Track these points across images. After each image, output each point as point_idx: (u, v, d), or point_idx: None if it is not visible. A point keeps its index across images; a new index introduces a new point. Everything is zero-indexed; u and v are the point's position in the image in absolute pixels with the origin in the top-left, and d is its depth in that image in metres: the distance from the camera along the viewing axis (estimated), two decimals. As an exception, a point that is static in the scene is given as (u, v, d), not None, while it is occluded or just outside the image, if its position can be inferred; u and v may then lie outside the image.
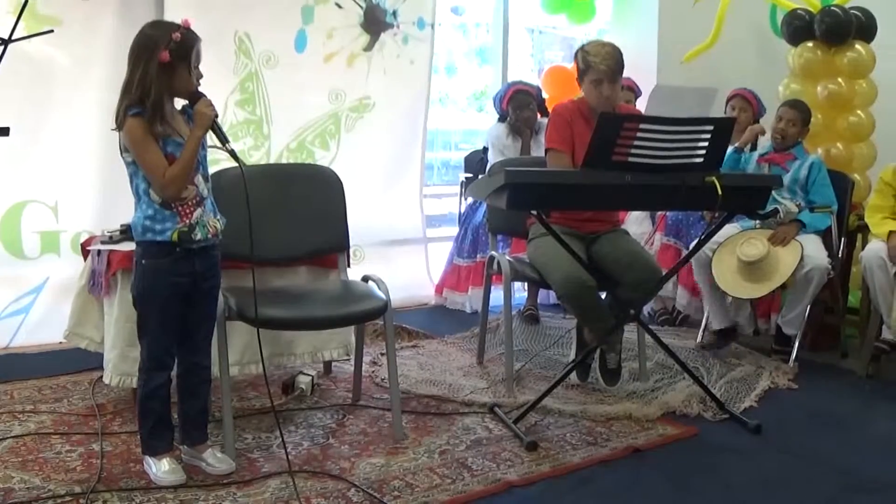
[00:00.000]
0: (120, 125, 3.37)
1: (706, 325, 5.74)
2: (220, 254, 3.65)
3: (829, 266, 5.30)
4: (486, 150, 6.98)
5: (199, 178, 3.49)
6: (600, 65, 4.63)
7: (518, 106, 6.63)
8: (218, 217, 3.58)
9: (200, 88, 3.47)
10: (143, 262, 3.50)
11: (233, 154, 3.45)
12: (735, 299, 5.67)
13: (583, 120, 4.77)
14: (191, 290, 3.54)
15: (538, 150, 6.32)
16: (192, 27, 3.43)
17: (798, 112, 5.70)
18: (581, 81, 4.77)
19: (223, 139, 3.45)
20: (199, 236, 3.47)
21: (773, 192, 5.27)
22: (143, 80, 3.32)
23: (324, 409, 4.47)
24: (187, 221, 3.45)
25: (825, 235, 5.57)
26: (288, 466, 3.61)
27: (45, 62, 5.30)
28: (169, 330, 3.54)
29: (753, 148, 5.89)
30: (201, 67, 3.48)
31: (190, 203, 3.46)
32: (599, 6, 8.01)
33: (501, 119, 6.80)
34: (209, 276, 3.59)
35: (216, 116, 3.43)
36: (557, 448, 4.03)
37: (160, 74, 3.33)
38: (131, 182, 3.47)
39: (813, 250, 5.31)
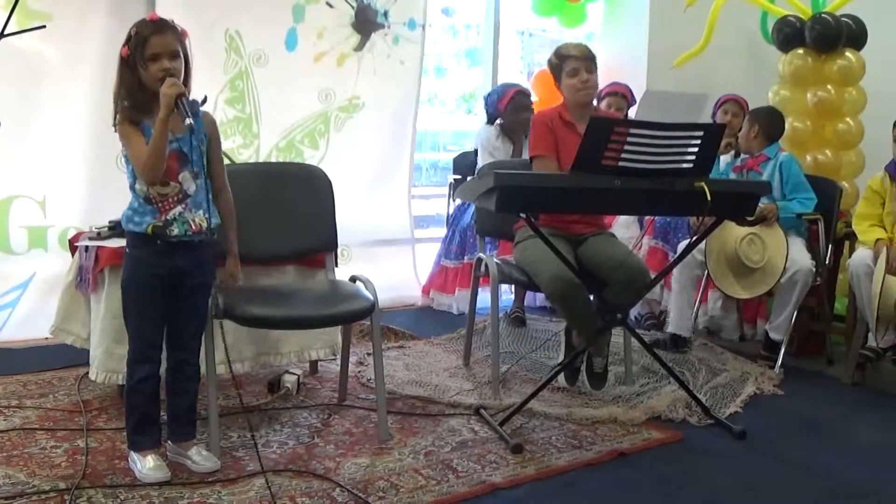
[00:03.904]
0: (115, 122, 3.43)
1: (665, 323, 5.83)
2: (212, 252, 3.64)
3: (814, 269, 5.33)
4: (476, 151, 6.96)
5: (184, 175, 3.48)
6: (573, 51, 4.81)
7: (517, 107, 6.60)
8: (207, 215, 3.56)
9: (192, 85, 3.47)
10: (128, 251, 3.55)
11: (191, 128, 3.38)
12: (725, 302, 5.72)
13: (564, 125, 4.81)
14: (175, 284, 3.53)
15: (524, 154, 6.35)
16: (184, 24, 3.45)
17: (755, 118, 5.76)
18: (559, 80, 4.89)
19: (184, 114, 3.33)
20: (175, 232, 3.46)
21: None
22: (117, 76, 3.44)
23: (309, 408, 4.47)
24: (163, 217, 3.45)
25: (811, 241, 5.60)
26: (260, 467, 3.58)
27: (35, 58, 5.28)
28: (150, 322, 3.54)
29: (737, 155, 5.90)
30: (195, 64, 3.48)
31: (171, 199, 3.46)
32: (590, 10, 8.01)
33: (491, 121, 6.78)
34: (196, 273, 3.57)
35: (181, 94, 3.34)
36: (542, 451, 4.03)
37: (123, 69, 3.41)
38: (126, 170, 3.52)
39: (797, 254, 5.34)
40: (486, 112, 6.86)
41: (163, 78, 3.34)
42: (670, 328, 5.71)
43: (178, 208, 3.48)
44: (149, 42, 3.36)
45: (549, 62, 4.92)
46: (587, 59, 4.79)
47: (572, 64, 4.77)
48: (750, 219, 4.43)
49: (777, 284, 5.28)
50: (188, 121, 3.32)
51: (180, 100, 3.32)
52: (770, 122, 5.75)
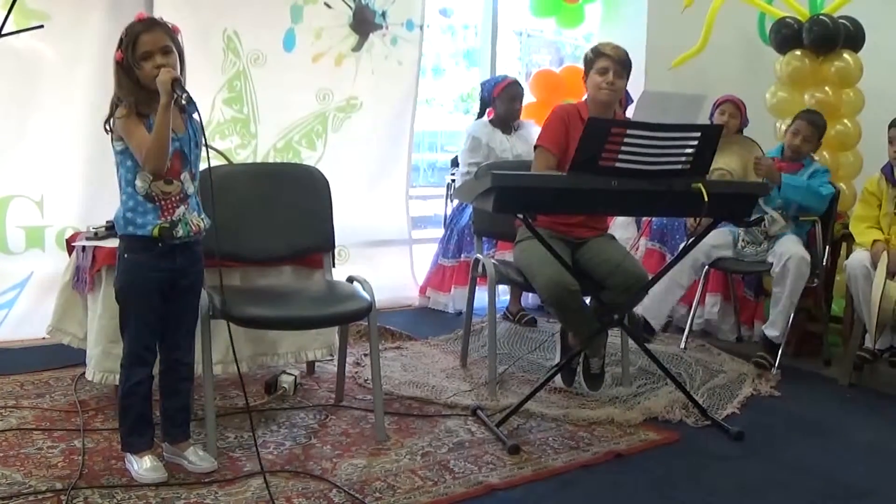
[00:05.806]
0: (111, 118, 3.40)
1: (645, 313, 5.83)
2: (202, 250, 3.62)
3: (808, 258, 5.34)
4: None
5: (185, 175, 3.47)
6: (609, 51, 4.74)
7: (511, 97, 6.55)
8: (202, 216, 3.56)
9: (189, 86, 3.47)
10: (125, 256, 3.50)
11: (186, 105, 3.37)
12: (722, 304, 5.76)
13: (581, 123, 4.77)
14: (171, 285, 3.53)
15: (515, 145, 6.39)
16: (180, 25, 3.46)
17: (816, 129, 5.74)
18: (587, 75, 4.82)
19: (179, 94, 3.32)
20: (180, 233, 3.45)
21: (762, 204, 5.32)
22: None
23: (306, 409, 4.46)
24: (168, 217, 3.43)
25: (809, 244, 5.60)
26: (260, 467, 3.55)
27: (33, 57, 5.28)
28: (149, 325, 3.52)
29: None
30: (189, 63, 3.48)
31: (173, 199, 3.45)
32: (588, 11, 8.01)
33: (483, 109, 6.75)
34: (190, 272, 3.57)
35: (176, 79, 3.31)
36: (539, 452, 4.03)
37: (119, 73, 3.39)
38: (117, 172, 3.46)
39: (790, 244, 5.39)
40: (480, 97, 6.84)
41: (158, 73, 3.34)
42: (642, 311, 5.72)
43: (182, 208, 3.47)
44: (139, 41, 3.34)
45: (585, 56, 4.87)
46: (620, 63, 4.72)
47: (604, 62, 4.71)
48: (748, 220, 4.42)
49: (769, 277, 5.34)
50: (185, 95, 3.31)
51: (176, 83, 3.31)
52: (825, 128, 5.82)
